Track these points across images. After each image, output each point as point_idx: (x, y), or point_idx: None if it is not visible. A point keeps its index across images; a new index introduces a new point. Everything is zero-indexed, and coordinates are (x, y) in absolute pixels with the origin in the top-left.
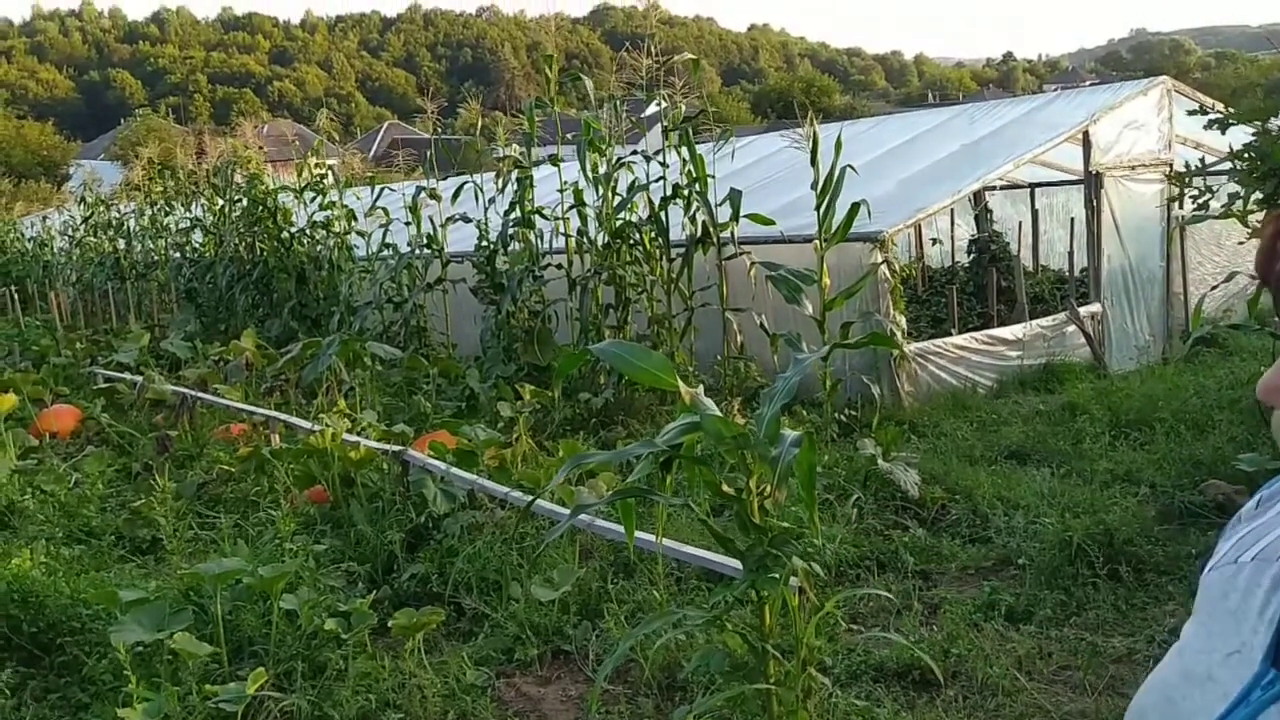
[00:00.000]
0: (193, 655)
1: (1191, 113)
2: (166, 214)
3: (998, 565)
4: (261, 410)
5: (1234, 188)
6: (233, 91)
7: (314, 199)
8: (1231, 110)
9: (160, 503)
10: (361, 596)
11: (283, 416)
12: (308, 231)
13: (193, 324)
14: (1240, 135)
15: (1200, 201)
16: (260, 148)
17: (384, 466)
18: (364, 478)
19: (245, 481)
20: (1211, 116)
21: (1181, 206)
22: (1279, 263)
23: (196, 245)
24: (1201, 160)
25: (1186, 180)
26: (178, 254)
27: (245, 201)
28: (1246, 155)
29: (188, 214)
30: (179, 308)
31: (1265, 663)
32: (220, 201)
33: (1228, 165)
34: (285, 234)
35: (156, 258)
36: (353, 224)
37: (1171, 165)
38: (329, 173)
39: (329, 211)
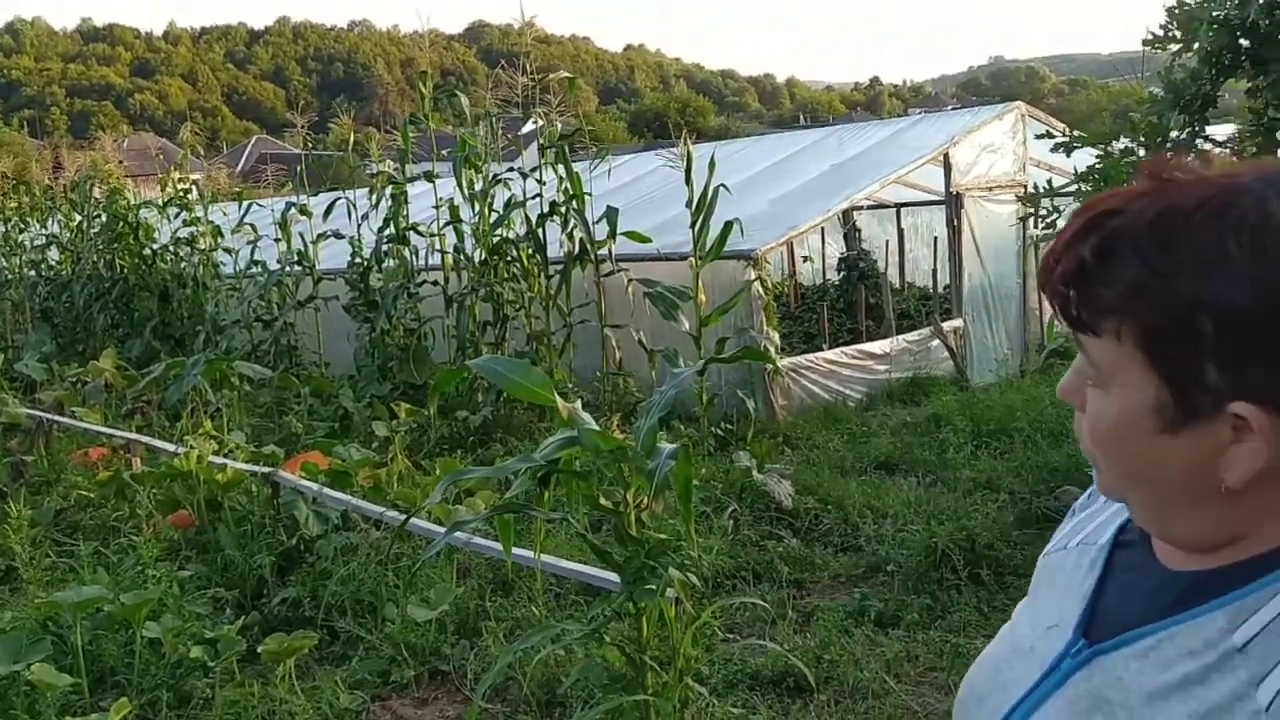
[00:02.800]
0: (51, 686)
1: (1040, 136)
2: (21, 231)
3: (868, 572)
4: (122, 433)
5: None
6: (92, 104)
7: (178, 215)
8: (1077, 134)
9: (15, 530)
10: (229, 623)
11: (145, 439)
12: (171, 248)
13: (49, 345)
14: (1086, 158)
15: (1048, 221)
16: (120, 162)
17: (253, 489)
18: (232, 501)
19: (105, 507)
20: (1058, 140)
21: (1038, 226)
22: (1054, 273)
23: (53, 263)
24: (1049, 182)
25: (1036, 201)
26: (33, 272)
27: (105, 217)
28: (1091, 177)
29: (43, 230)
30: (34, 328)
31: (1077, 633)
32: (78, 217)
33: (1074, 187)
34: (147, 251)
35: (10, 276)
36: (219, 240)
37: (1026, 186)
38: (193, 188)
39: (193, 228)
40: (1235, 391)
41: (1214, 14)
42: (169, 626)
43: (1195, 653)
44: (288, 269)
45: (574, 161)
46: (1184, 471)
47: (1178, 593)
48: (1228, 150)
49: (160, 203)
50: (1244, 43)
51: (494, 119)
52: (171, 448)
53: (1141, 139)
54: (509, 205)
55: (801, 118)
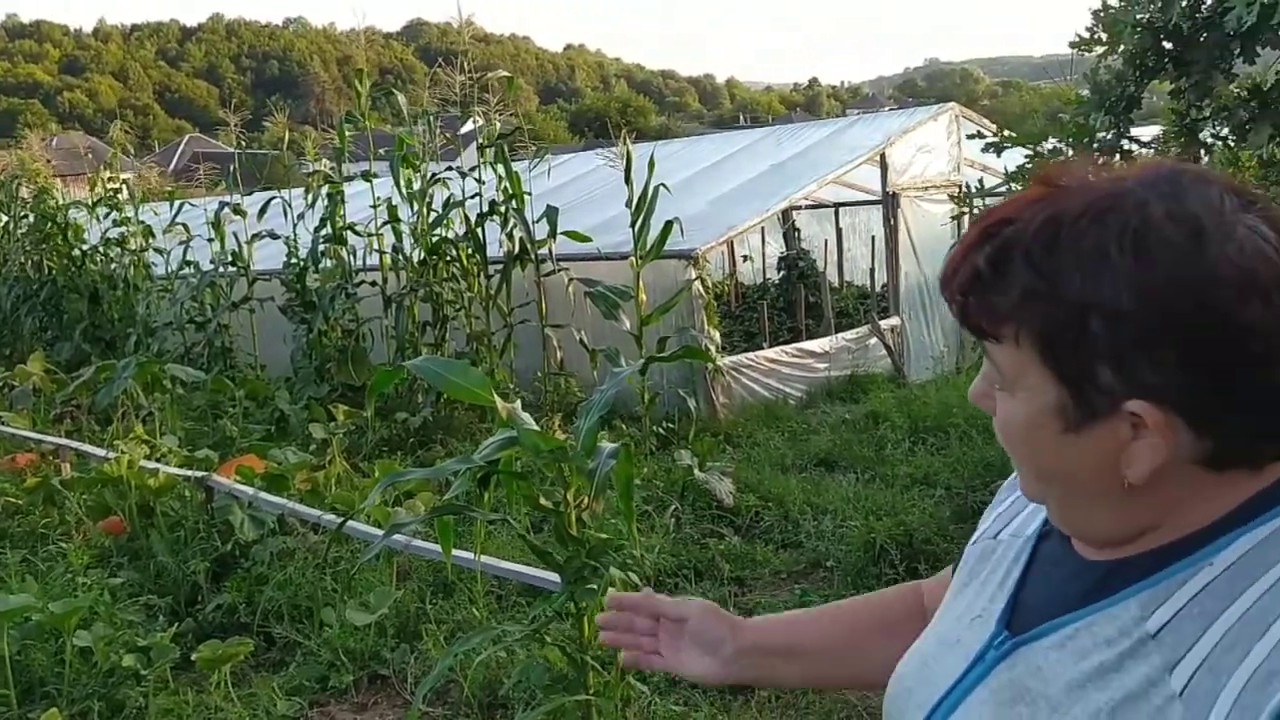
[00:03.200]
0: None
1: (971, 136)
2: None
3: (808, 568)
4: (50, 438)
5: None
6: (18, 102)
7: (108, 215)
8: (1008, 134)
9: None
10: (163, 630)
11: (74, 444)
12: (101, 249)
13: None
14: (1017, 158)
15: None
16: (48, 160)
17: (186, 494)
18: (164, 506)
19: (34, 514)
20: (988, 140)
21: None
22: (953, 282)
23: None
24: (981, 182)
25: (969, 200)
26: None
27: (32, 218)
28: (1021, 177)
29: None
30: None
31: (1000, 624)
32: (4, 218)
33: (1005, 187)
34: (76, 252)
35: None
36: (150, 241)
37: (960, 186)
38: (124, 187)
39: (124, 228)
40: (1130, 390)
41: (1137, 17)
42: (100, 635)
43: (1111, 641)
44: (221, 270)
45: (513, 161)
46: (1089, 470)
47: (1093, 582)
48: (1152, 150)
49: (90, 202)
50: (1167, 45)
51: (432, 118)
52: (102, 453)
53: (1069, 140)
54: (448, 205)
55: (741, 118)
